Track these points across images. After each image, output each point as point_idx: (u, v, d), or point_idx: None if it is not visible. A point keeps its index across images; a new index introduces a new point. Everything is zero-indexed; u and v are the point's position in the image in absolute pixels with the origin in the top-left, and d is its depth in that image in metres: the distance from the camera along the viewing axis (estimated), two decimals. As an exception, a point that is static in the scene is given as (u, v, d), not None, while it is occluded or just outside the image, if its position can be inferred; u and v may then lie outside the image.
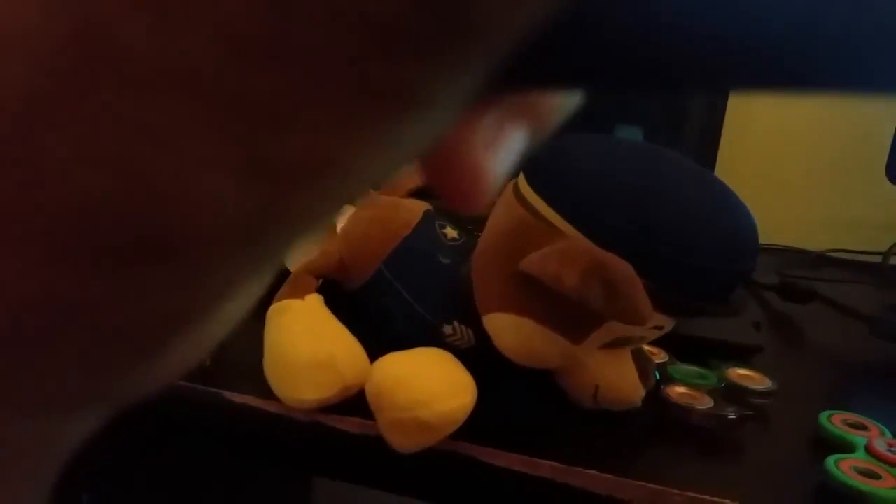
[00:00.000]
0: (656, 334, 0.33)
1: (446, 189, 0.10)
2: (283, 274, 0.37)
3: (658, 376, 0.37)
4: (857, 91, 0.09)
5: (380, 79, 0.07)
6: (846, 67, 0.08)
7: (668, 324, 0.32)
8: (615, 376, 0.33)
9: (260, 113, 0.07)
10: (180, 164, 0.07)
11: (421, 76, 0.07)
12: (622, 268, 0.28)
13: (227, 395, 0.33)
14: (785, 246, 0.71)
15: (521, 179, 0.33)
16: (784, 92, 0.09)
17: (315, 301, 0.35)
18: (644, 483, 0.30)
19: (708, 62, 0.08)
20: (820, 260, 0.70)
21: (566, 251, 0.29)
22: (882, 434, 0.34)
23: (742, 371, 0.39)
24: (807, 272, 0.59)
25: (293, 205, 0.08)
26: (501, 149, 0.10)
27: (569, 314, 0.31)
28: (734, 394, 0.37)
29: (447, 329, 0.35)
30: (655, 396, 0.36)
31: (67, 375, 0.08)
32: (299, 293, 0.35)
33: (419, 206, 0.39)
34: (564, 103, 0.11)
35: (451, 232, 0.38)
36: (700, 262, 0.29)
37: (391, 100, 0.07)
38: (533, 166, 0.32)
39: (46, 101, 0.06)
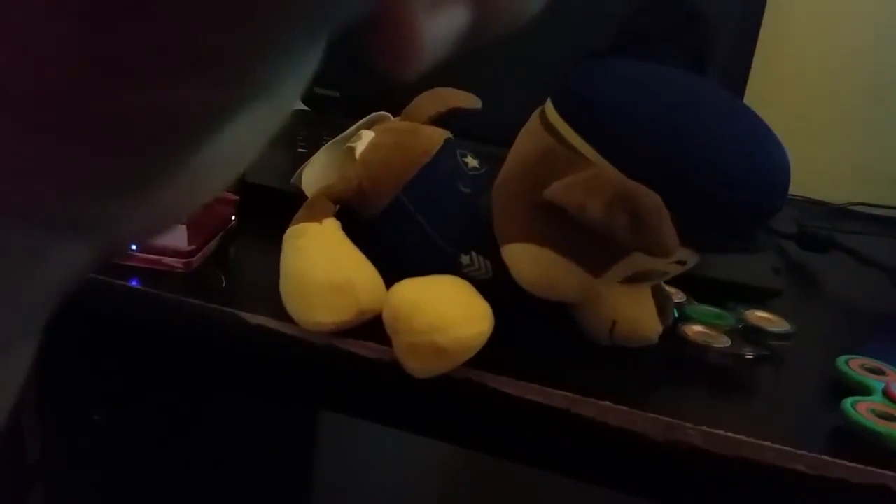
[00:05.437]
0: (679, 269, 0.32)
1: (379, 46, 0.10)
2: (301, 199, 0.36)
3: (676, 315, 0.37)
4: None
5: None
6: None
7: (691, 259, 0.31)
8: (634, 312, 0.33)
9: None
10: None
11: None
12: (650, 198, 0.27)
13: (243, 315, 0.33)
14: (803, 196, 0.69)
15: (549, 106, 0.32)
16: None
17: (332, 225, 0.34)
18: (658, 416, 0.30)
19: None
20: (839, 212, 0.69)
21: (592, 180, 0.28)
22: (900, 379, 0.34)
23: (760, 313, 0.38)
24: (826, 223, 0.58)
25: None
26: (441, 15, 0.10)
27: (591, 245, 0.30)
28: (752, 334, 0.37)
29: (465, 259, 0.34)
30: (672, 334, 0.36)
31: (45, 179, 0.09)
32: (316, 217, 0.34)
33: (440, 134, 0.38)
34: None
35: (472, 161, 0.37)
36: (731, 194, 0.28)
37: None
38: (561, 92, 0.31)
39: None
